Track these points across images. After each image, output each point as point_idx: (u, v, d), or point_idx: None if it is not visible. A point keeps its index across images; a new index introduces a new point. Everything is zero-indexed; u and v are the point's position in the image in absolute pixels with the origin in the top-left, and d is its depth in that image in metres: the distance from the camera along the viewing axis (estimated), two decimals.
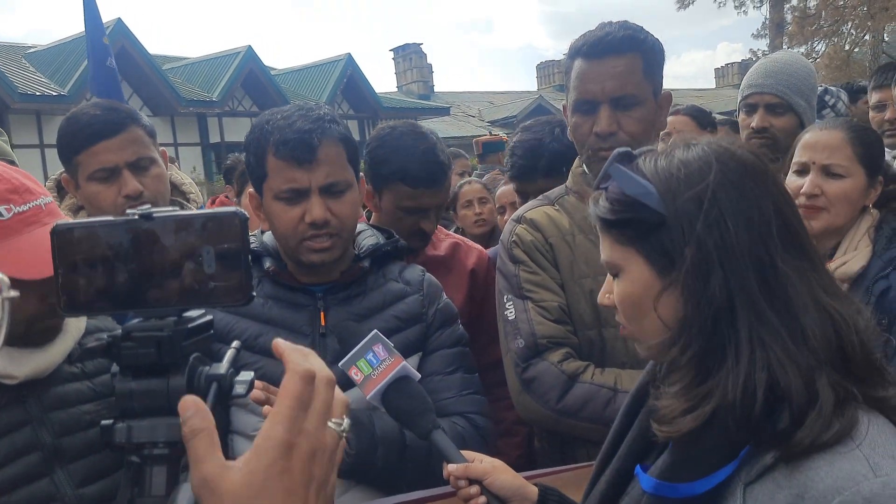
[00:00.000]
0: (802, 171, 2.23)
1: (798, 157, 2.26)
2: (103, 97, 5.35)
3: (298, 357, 0.79)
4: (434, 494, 1.63)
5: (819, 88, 3.54)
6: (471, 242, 2.83)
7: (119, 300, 0.85)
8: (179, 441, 0.85)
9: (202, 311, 0.89)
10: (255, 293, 0.87)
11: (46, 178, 2.63)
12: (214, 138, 24.16)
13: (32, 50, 23.52)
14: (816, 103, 3.12)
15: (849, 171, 2.17)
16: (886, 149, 2.54)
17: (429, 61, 38.29)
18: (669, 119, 3.62)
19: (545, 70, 43.28)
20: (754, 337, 1.06)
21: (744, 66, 40.41)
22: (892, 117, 3.58)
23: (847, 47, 26.74)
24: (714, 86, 49.46)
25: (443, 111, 30.34)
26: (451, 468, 1.48)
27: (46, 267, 1.37)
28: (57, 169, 2.47)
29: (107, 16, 8.09)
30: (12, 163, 3.14)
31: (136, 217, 0.84)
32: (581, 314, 2.05)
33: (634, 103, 2.01)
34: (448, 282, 2.36)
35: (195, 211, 0.83)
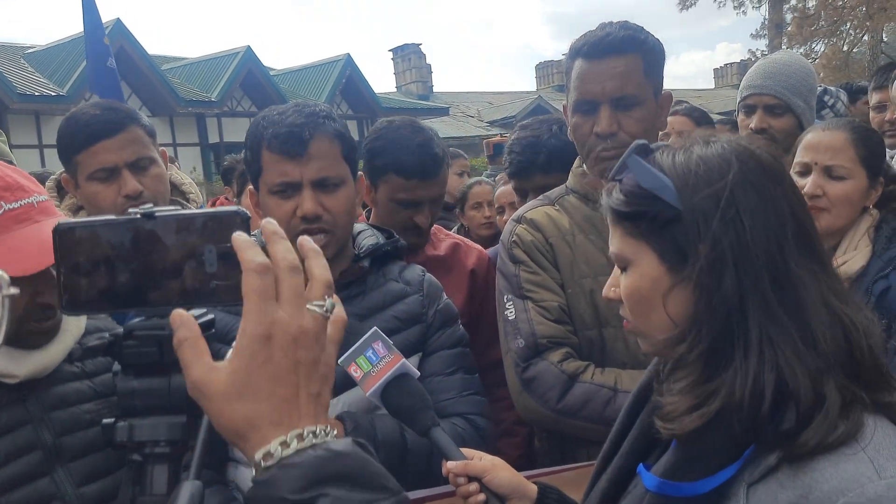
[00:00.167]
0: (804, 171, 2.23)
1: (800, 157, 2.25)
2: (104, 97, 5.35)
3: (251, 253, 0.79)
4: (433, 494, 1.63)
5: (818, 89, 3.54)
6: (471, 242, 2.82)
7: (121, 299, 0.86)
8: (181, 439, 0.86)
9: (203, 310, 0.89)
10: None
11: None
12: (213, 138, 24.15)
13: (31, 50, 23.50)
14: (815, 104, 3.12)
15: (851, 173, 2.17)
16: (887, 149, 2.54)
17: (428, 61, 38.28)
18: (668, 119, 3.62)
19: (544, 70, 43.30)
20: (764, 337, 1.06)
21: (742, 66, 40.46)
22: (893, 118, 3.57)
23: (846, 48, 26.76)
24: (713, 86, 49.48)
25: (442, 111, 30.34)
26: (450, 465, 1.48)
27: (33, 264, 1.37)
28: (57, 169, 2.47)
29: (105, 16, 8.08)
30: (11, 163, 3.15)
31: (138, 216, 0.84)
32: (581, 314, 2.05)
33: (635, 103, 2.01)
34: (448, 282, 2.36)
35: (197, 210, 0.83)
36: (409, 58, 38.17)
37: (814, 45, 27.43)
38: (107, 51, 5.79)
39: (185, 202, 2.59)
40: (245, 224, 0.84)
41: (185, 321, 0.79)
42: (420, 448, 1.76)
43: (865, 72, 22.15)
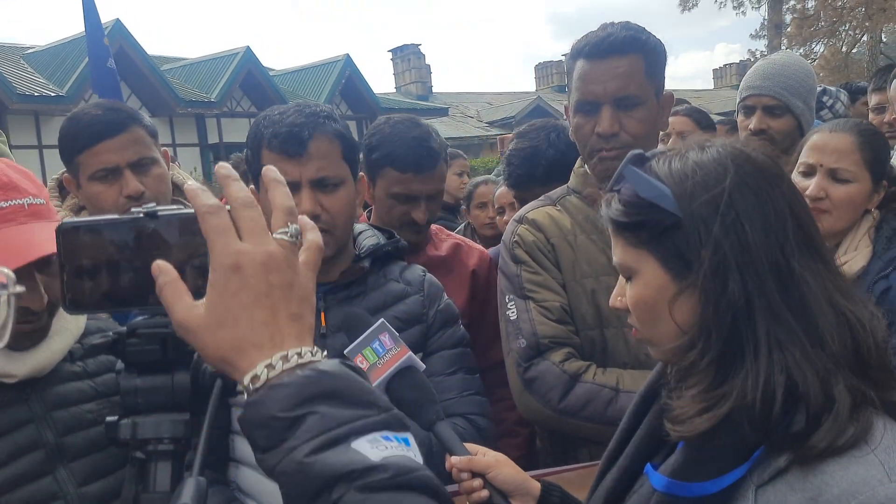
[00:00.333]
0: (809, 172, 2.22)
1: (805, 157, 2.24)
2: (103, 97, 5.35)
3: (203, 198, 0.82)
4: None
5: (817, 89, 3.53)
6: (472, 243, 2.82)
7: (123, 298, 0.86)
8: (184, 437, 0.86)
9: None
10: None
11: (45, 178, 2.62)
12: (213, 139, 24.14)
13: (31, 50, 23.49)
14: (814, 104, 3.12)
15: (855, 177, 2.16)
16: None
17: (427, 62, 38.26)
18: (669, 120, 3.62)
19: (543, 71, 43.29)
20: (772, 339, 1.06)
21: (742, 66, 40.48)
22: (892, 119, 3.57)
23: (844, 48, 26.77)
24: (712, 87, 49.48)
25: (441, 112, 30.32)
26: (454, 460, 1.48)
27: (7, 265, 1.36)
28: (56, 170, 2.47)
29: (105, 16, 8.09)
30: None
31: (141, 215, 0.85)
32: (583, 314, 2.05)
33: (636, 104, 2.01)
34: (449, 282, 2.36)
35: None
36: (408, 58, 38.15)
37: (813, 46, 27.44)
38: (106, 51, 5.80)
39: (186, 202, 2.59)
40: None
41: (164, 268, 0.82)
42: (423, 441, 1.76)
43: (864, 72, 22.16)
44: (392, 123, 2.53)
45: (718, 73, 50.63)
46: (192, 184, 0.84)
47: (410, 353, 1.55)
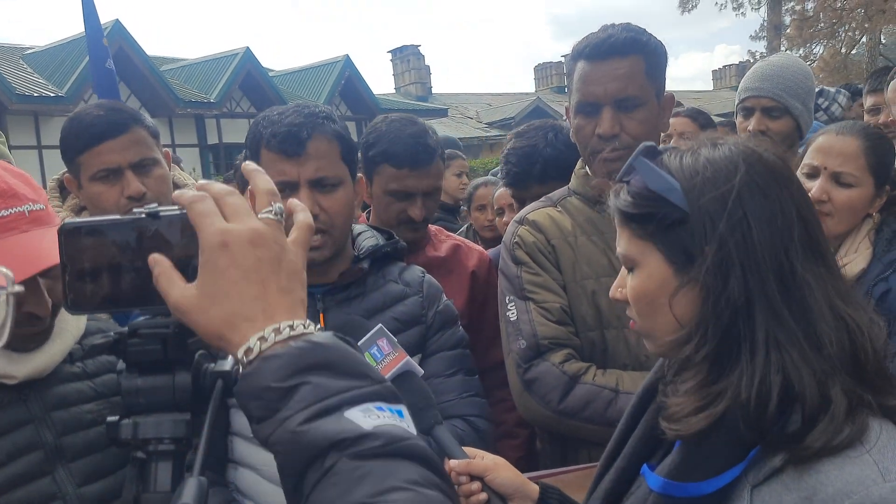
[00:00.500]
0: (812, 174, 2.21)
1: (809, 159, 2.23)
2: (102, 98, 5.35)
3: (187, 194, 0.86)
4: None
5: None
6: (471, 244, 2.83)
7: (125, 298, 0.86)
8: (185, 437, 0.86)
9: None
10: None
11: (44, 179, 2.62)
12: (212, 139, 24.13)
13: (30, 51, 23.48)
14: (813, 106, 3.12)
15: (858, 181, 2.15)
16: None
17: (427, 63, 38.24)
18: (671, 121, 3.63)
19: (543, 71, 43.26)
20: (770, 338, 1.06)
21: (741, 67, 40.46)
22: (886, 121, 3.58)
23: (844, 50, 26.78)
24: (711, 87, 49.47)
25: (441, 113, 30.31)
26: (452, 464, 1.49)
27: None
28: (55, 170, 2.47)
29: (104, 17, 8.09)
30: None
31: (143, 216, 0.85)
32: (583, 315, 2.05)
33: (637, 105, 2.01)
34: (449, 283, 2.36)
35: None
36: (407, 59, 38.13)
37: (813, 48, 27.45)
38: (105, 52, 5.80)
39: None
40: None
41: (158, 260, 0.84)
42: None
43: (864, 74, 22.16)
44: (389, 122, 2.55)
45: (718, 75, 50.60)
46: (177, 192, 0.86)
47: (408, 357, 1.56)
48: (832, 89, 4.54)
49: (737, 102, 3.08)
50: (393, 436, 0.77)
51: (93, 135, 2.19)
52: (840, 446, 1.01)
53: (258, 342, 0.80)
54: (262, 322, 0.81)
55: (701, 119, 3.71)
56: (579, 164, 2.24)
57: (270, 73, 26.69)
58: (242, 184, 4.27)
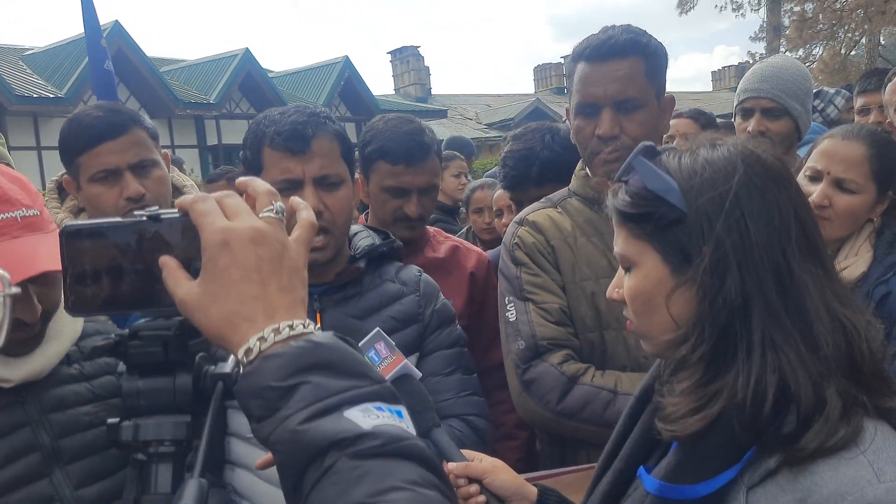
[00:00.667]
0: (815, 177, 2.19)
1: (813, 161, 2.21)
2: (101, 99, 5.35)
3: (187, 198, 0.87)
4: None
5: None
6: (470, 245, 2.83)
7: (126, 301, 0.87)
8: (185, 439, 0.87)
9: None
10: None
11: (43, 180, 2.61)
12: (212, 140, 24.14)
13: (30, 52, 23.48)
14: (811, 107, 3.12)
15: (861, 188, 2.13)
16: None
17: (426, 64, 38.25)
18: (672, 122, 3.62)
19: (542, 72, 43.28)
20: (767, 339, 1.07)
21: (740, 69, 40.50)
22: (876, 121, 3.59)
23: (843, 51, 26.80)
24: (710, 89, 49.50)
25: (440, 114, 30.31)
26: (450, 466, 1.49)
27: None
28: (55, 171, 2.47)
29: (104, 18, 8.09)
30: (9, 166, 3.14)
31: (144, 218, 0.85)
32: (582, 316, 2.06)
33: (637, 106, 2.01)
34: (447, 284, 2.36)
35: None
36: (407, 60, 38.13)
37: (812, 49, 27.47)
38: (104, 53, 5.80)
39: None
40: None
41: (166, 261, 0.85)
42: None
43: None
44: (385, 120, 2.57)
45: (717, 76, 50.64)
46: (178, 200, 0.87)
47: (406, 360, 1.56)
48: (831, 90, 4.54)
49: (736, 103, 3.08)
50: (392, 435, 0.77)
51: (92, 136, 2.18)
52: (835, 447, 1.01)
53: (258, 342, 0.80)
54: (263, 322, 0.82)
55: (703, 120, 3.69)
56: (579, 165, 2.24)
57: (270, 74, 26.70)
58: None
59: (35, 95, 20.01)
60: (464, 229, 4.51)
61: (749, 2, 31.80)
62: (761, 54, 27.65)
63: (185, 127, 23.63)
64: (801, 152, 3.09)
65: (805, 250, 1.12)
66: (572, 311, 2.07)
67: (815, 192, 2.14)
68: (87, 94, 18.10)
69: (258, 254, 0.83)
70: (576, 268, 2.10)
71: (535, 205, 2.29)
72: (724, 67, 50.31)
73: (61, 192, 2.47)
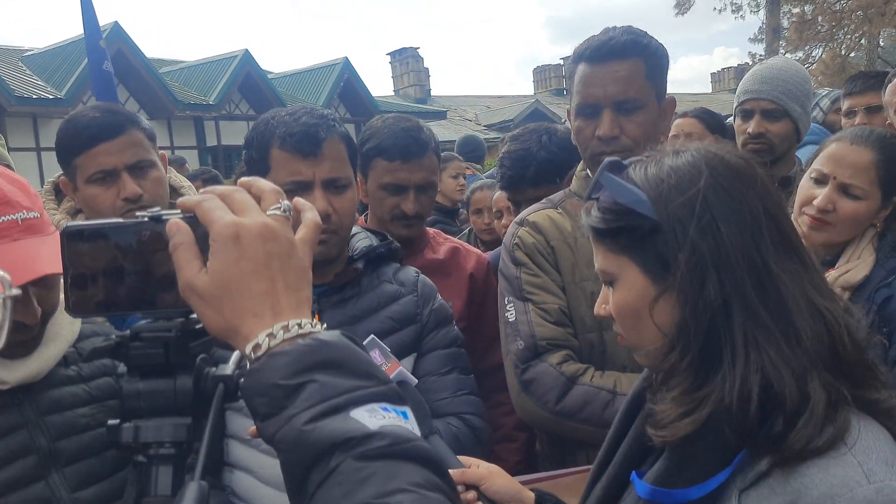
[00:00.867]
0: (821, 180, 2.16)
1: (819, 164, 2.18)
2: (100, 100, 5.35)
3: (192, 197, 0.87)
4: None
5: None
6: (469, 247, 2.83)
7: (127, 302, 0.86)
8: (185, 440, 0.86)
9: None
10: None
11: (43, 181, 2.61)
12: (211, 142, 24.13)
13: (29, 53, 23.48)
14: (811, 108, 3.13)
15: (866, 194, 2.11)
16: None
17: (426, 65, 38.26)
18: (678, 122, 3.62)
19: (542, 74, 43.29)
20: (749, 339, 1.07)
21: (740, 70, 40.51)
22: (861, 123, 3.60)
23: (843, 52, 26.81)
24: (710, 90, 49.52)
25: (440, 115, 30.30)
26: None
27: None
28: (54, 172, 2.46)
29: (104, 19, 8.09)
30: (9, 167, 3.14)
31: (146, 219, 0.85)
32: (582, 317, 2.06)
33: (637, 107, 2.02)
34: (447, 286, 2.37)
35: None
36: (406, 61, 38.13)
37: (812, 50, 27.49)
38: (103, 54, 5.80)
39: None
40: None
41: (180, 228, 0.84)
42: None
43: None
44: (383, 119, 2.60)
45: (717, 77, 50.65)
46: (179, 199, 0.86)
47: (402, 367, 1.57)
48: (821, 91, 4.54)
49: (736, 105, 3.08)
50: (398, 436, 0.76)
51: (89, 137, 2.17)
52: (823, 447, 1.02)
53: (266, 338, 0.80)
54: (271, 318, 0.81)
55: (708, 119, 3.65)
56: (580, 166, 2.24)
57: (269, 76, 26.70)
58: None
59: (34, 96, 20.00)
60: (465, 230, 4.51)
61: (748, 3, 31.86)
62: (761, 56, 27.68)
63: (185, 128, 23.62)
64: (801, 153, 3.10)
65: (779, 245, 1.13)
66: (572, 311, 2.07)
67: (819, 195, 2.13)
68: (86, 95, 18.09)
69: (268, 250, 0.83)
70: (576, 268, 2.10)
71: (535, 205, 2.29)
72: (723, 69, 50.34)
73: (58, 193, 2.45)
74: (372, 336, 1.60)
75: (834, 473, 1.00)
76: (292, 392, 0.78)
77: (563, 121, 2.52)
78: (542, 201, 2.30)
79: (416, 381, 1.64)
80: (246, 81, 24.54)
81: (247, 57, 24.69)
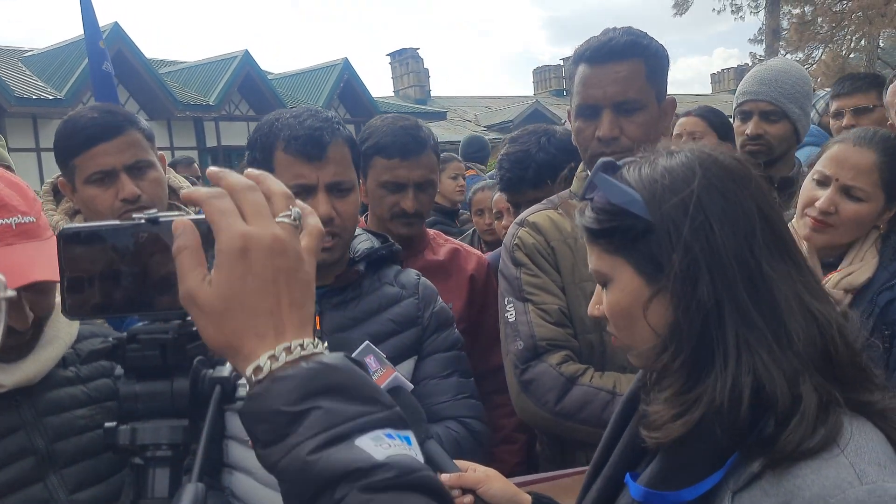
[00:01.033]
0: (823, 182, 2.14)
1: (821, 166, 2.16)
2: (99, 100, 5.35)
3: (203, 189, 0.82)
4: None
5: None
6: (470, 248, 2.83)
7: (124, 304, 0.86)
8: (183, 443, 0.86)
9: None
10: None
11: (43, 182, 2.60)
12: (211, 142, 24.13)
13: (29, 53, 23.48)
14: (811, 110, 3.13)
15: (869, 197, 2.09)
16: None
17: (425, 66, 38.26)
18: (681, 121, 3.61)
19: (541, 75, 43.30)
20: (741, 341, 1.07)
21: (740, 71, 40.52)
22: (849, 124, 3.61)
23: (844, 53, 26.82)
24: (710, 91, 49.53)
25: (439, 116, 30.30)
26: (444, 477, 1.49)
27: None
28: (54, 173, 2.45)
29: (104, 20, 8.09)
30: (9, 168, 3.13)
31: (143, 221, 0.85)
32: (582, 317, 2.05)
33: (637, 108, 2.02)
34: (447, 287, 2.37)
35: (200, 215, 0.84)
36: (406, 62, 38.13)
37: (812, 51, 27.50)
38: (102, 54, 5.80)
39: (183, 206, 2.58)
40: None
41: (187, 229, 0.80)
42: None
43: None
44: (382, 118, 2.61)
45: (716, 78, 50.65)
46: (185, 190, 0.84)
47: (397, 373, 1.57)
48: (820, 93, 4.55)
49: (735, 106, 3.08)
50: (405, 466, 0.75)
51: (87, 137, 2.17)
52: (815, 449, 1.02)
53: (268, 361, 0.77)
54: (273, 339, 0.79)
55: (712, 118, 3.64)
56: (581, 167, 2.25)
57: (269, 76, 26.69)
58: None
59: (34, 97, 20.00)
60: (469, 231, 4.52)
61: (748, 4, 31.88)
62: (761, 56, 27.69)
63: (185, 129, 23.62)
64: (800, 154, 3.10)
65: (773, 246, 1.13)
66: (572, 311, 2.07)
67: (821, 196, 2.11)
68: (86, 95, 18.10)
69: (276, 265, 0.79)
70: (575, 269, 2.10)
71: (535, 206, 2.30)
72: (723, 70, 50.36)
73: (56, 194, 2.45)
74: (367, 342, 1.60)
75: (826, 475, 1.00)
76: (296, 419, 0.75)
77: (563, 122, 2.52)
78: (543, 202, 2.30)
79: (412, 386, 1.64)
80: (246, 82, 24.54)
81: (247, 57, 24.69)
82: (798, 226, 2.16)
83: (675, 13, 32.58)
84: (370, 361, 1.56)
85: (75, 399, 1.60)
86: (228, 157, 23.03)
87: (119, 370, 0.88)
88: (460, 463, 1.52)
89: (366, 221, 2.63)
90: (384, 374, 1.56)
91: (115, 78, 6.23)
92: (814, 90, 3.55)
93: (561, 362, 2.00)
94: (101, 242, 0.86)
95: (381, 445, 0.75)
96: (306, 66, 29.76)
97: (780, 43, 27.91)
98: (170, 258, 0.84)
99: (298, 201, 0.87)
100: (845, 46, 27.10)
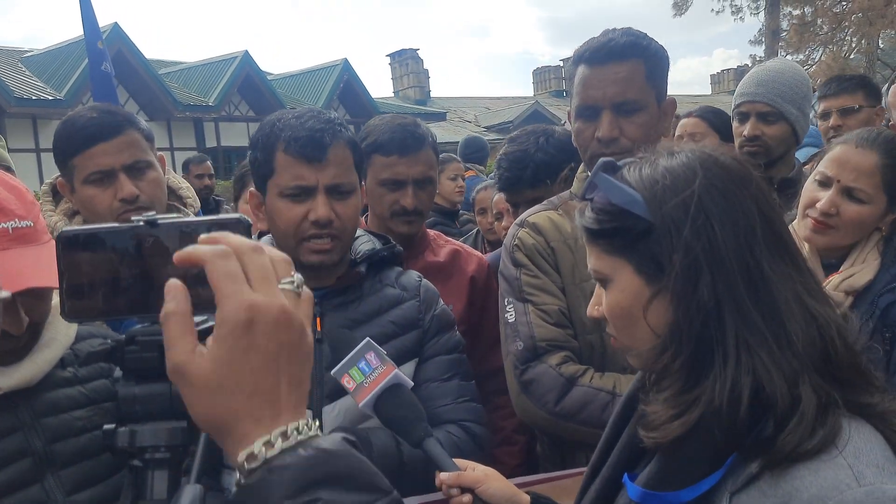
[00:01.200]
0: (825, 183, 2.13)
1: (823, 167, 2.15)
2: (99, 101, 5.35)
3: (208, 245, 0.76)
4: (427, 502, 1.63)
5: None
6: (470, 249, 2.83)
7: (123, 306, 0.86)
8: (181, 445, 0.86)
9: (204, 317, 0.90)
10: None
11: (42, 182, 2.60)
12: (211, 143, 24.16)
13: (29, 54, 23.50)
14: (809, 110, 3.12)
15: (871, 199, 2.08)
16: None
17: (425, 67, 38.29)
18: (682, 122, 3.60)
19: (541, 75, 43.37)
20: (741, 342, 1.07)
21: (739, 72, 40.53)
22: (835, 125, 3.66)
23: (844, 54, 26.83)
24: (710, 92, 49.56)
25: (439, 116, 30.33)
26: (442, 476, 1.49)
27: None
28: (53, 173, 2.45)
29: (104, 20, 8.09)
30: (9, 168, 3.13)
31: (141, 224, 0.85)
32: (582, 318, 2.05)
33: (636, 109, 2.02)
34: (448, 288, 2.36)
35: (200, 217, 0.84)
36: (406, 63, 38.17)
37: (812, 52, 27.51)
38: (102, 55, 5.80)
39: (182, 207, 2.58)
40: (247, 231, 0.84)
41: (178, 294, 0.75)
42: (416, 458, 1.76)
43: None
44: (381, 118, 2.61)
45: (716, 79, 50.72)
46: (184, 251, 0.76)
47: (397, 370, 1.56)
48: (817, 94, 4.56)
49: (733, 107, 3.08)
50: None
51: (86, 137, 2.16)
52: (814, 450, 1.01)
53: (263, 448, 0.72)
54: (269, 422, 0.73)
55: (713, 119, 3.64)
56: (581, 167, 2.25)
57: (269, 77, 26.74)
58: (240, 187, 4.29)
59: (34, 97, 20.03)
60: (473, 231, 4.52)
61: (748, 5, 31.89)
62: (760, 57, 27.69)
63: (184, 129, 23.65)
64: (800, 155, 3.10)
65: (773, 247, 1.12)
66: (572, 312, 2.07)
67: (823, 198, 2.11)
68: (86, 96, 18.12)
69: (280, 340, 0.74)
70: (576, 269, 2.10)
71: (536, 207, 2.30)
72: (722, 70, 50.42)
73: (55, 194, 2.45)
74: (367, 339, 1.59)
75: (824, 476, 1.00)
76: None
77: (562, 122, 2.52)
78: (544, 203, 2.30)
79: (412, 383, 1.63)
80: (245, 82, 24.58)
81: (246, 58, 24.73)
82: (799, 227, 2.16)
83: (675, 14, 32.60)
84: (370, 358, 1.56)
85: (73, 400, 1.59)
86: (228, 157, 23.05)
87: (118, 372, 0.88)
88: (459, 462, 1.52)
89: (366, 222, 2.63)
90: (385, 370, 1.55)
91: (115, 78, 6.23)
92: (813, 91, 3.55)
93: (561, 363, 2.00)
94: (99, 245, 0.85)
95: None
96: (306, 66, 29.80)
97: (780, 44, 27.91)
98: (169, 260, 0.83)
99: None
100: (845, 48, 27.11)
